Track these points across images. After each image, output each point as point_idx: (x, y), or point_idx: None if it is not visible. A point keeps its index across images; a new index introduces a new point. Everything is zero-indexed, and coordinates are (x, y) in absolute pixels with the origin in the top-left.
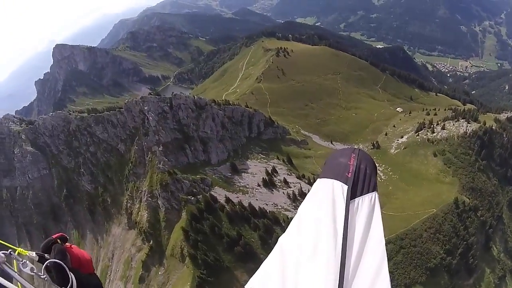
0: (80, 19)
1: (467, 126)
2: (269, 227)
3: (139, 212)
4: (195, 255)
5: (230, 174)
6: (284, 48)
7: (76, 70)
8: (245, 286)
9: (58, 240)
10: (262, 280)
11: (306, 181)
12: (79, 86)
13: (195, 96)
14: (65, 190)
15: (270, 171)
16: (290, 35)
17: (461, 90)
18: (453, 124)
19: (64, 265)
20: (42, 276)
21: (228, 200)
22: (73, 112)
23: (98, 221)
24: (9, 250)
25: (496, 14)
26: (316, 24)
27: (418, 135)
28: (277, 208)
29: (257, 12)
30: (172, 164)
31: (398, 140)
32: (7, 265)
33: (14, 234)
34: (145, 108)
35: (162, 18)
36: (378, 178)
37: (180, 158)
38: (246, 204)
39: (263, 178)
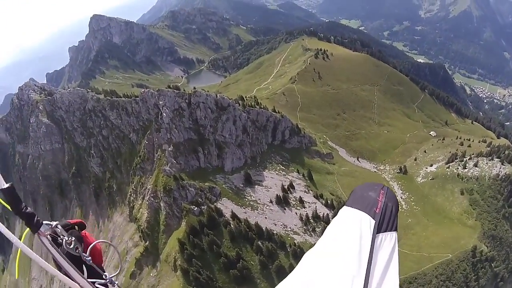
0: None
1: (500, 168)
2: (273, 252)
3: (140, 209)
4: (187, 270)
5: (242, 185)
6: (324, 50)
7: (110, 42)
8: None
9: (76, 227)
10: None
11: (323, 202)
12: (111, 58)
13: (218, 95)
14: (74, 168)
15: (286, 187)
16: (332, 37)
17: (496, 121)
18: (487, 163)
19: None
20: (87, 258)
21: (234, 215)
22: (91, 91)
23: (102, 204)
24: (55, 223)
25: None
26: (360, 28)
27: (448, 167)
28: (285, 230)
29: (303, 8)
30: (181, 167)
31: (427, 168)
32: (47, 240)
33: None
34: (160, 102)
35: (206, 1)
36: (400, 207)
37: (191, 161)
38: (252, 222)
39: (277, 194)
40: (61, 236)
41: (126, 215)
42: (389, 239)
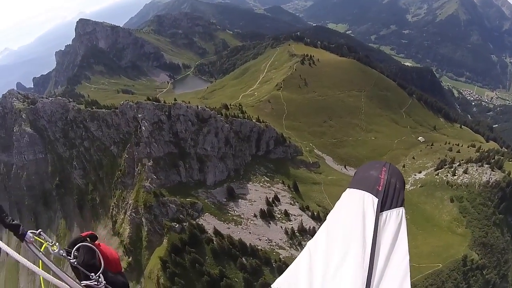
0: None
1: (490, 174)
2: (257, 269)
3: (123, 224)
4: None
5: (225, 200)
6: (311, 55)
7: (96, 47)
8: (271, 285)
9: (88, 238)
10: (290, 284)
11: (310, 214)
12: (97, 64)
13: (199, 107)
14: (57, 179)
15: (271, 200)
16: (318, 42)
17: (484, 124)
18: (477, 170)
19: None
20: (71, 260)
21: (216, 232)
22: (72, 101)
23: (86, 217)
24: (39, 230)
25: None
26: (347, 32)
27: (437, 174)
28: (270, 245)
29: (290, 12)
30: (162, 182)
31: (415, 175)
32: (34, 246)
33: (6, 209)
34: (139, 115)
35: (193, 5)
36: None
37: (172, 176)
38: (236, 238)
39: (261, 208)
40: (46, 242)
41: (110, 229)
42: (395, 216)
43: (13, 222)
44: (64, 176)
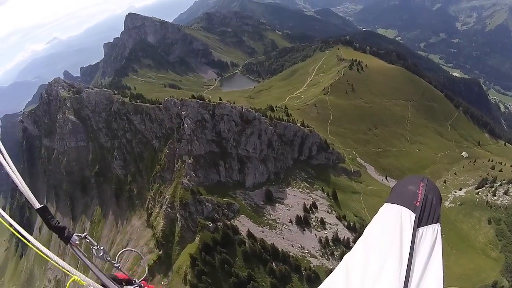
0: None
1: None
2: (286, 276)
3: (157, 218)
4: (197, 285)
5: (262, 203)
6: (359, 61)
7: (144, 41)
8: None
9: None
10: None
11: (346, 224)
12: (145, 57)
13: (243, 108)
14: (97, 167)
15: (308, 206)
16: (367, 47)
17: None
18: None
19: None
20: (115, 265)
21: (250, 234)
22: (117, 93)
23: (122, 206)
24: (84, 234)
25: None
26: (396, 38)
27: (478, 192)
28: (302, 253)
29: (339, 15)
30: (200, 180)
31: (456, 192)
32: (79, 249)
33: (44, 191)
34: (183, 112)
35: (243, 4)
36: None
37: (211, 174)
38: (269, 243)
39: (297, 214)
40: (91, 246)
41: (144, 220)
42: (431, 232)
43: (59, 225)
44: (104, 165)
